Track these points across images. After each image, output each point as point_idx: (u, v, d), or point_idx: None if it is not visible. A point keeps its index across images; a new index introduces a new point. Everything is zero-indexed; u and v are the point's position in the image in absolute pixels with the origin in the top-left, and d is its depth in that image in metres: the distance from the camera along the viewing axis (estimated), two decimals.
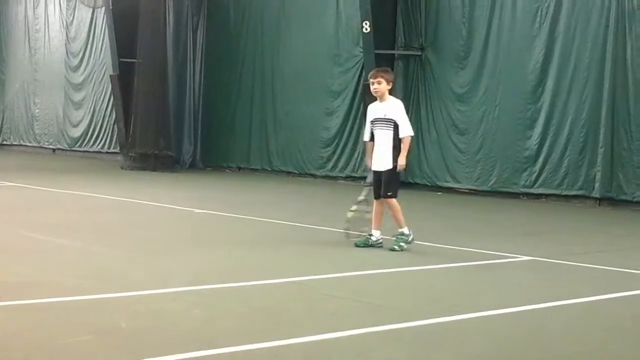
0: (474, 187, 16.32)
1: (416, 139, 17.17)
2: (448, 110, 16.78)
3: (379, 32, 17.12)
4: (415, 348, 5.14)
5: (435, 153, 16.92)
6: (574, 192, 15.12)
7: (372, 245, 8.86)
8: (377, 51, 17.02)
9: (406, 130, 8.89)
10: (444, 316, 5.89)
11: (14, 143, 26.63)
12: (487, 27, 16.25)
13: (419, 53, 17.16)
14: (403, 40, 17.46)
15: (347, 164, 18.37)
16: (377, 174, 8.97)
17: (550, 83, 15.42)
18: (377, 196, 8.95)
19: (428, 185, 16.92)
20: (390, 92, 9.06)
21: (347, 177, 18.32)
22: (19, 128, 26.51)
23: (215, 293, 6.51)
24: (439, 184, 16.77)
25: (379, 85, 8.92)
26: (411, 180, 16.76)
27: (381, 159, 8.90)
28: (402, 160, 8.82)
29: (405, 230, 8.80)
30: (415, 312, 6.13)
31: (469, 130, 16.46)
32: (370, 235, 8.96)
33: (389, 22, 17.48)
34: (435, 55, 17.02)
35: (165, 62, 20.45)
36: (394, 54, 17.50)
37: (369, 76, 9.27)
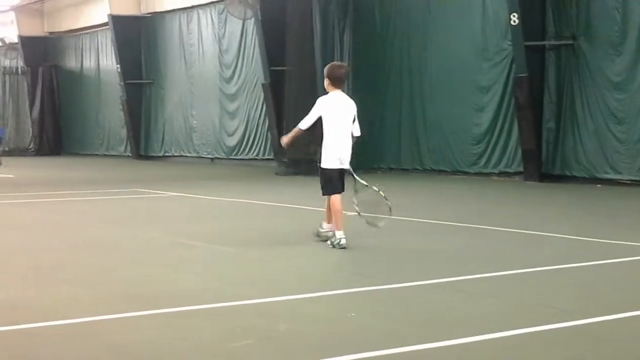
0: (636, 178, 15.63)
1: (572, 131, 16.65)
2: (605, 100, 16.15)
3: (528, 23, 16.74)
4: (583, 346, 4.99)
5: (593, 144, 16.30)
6: None
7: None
8: (526, 43, 16.65)
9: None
10: (603, 315, 5.69)
11: (175, 154, 27.78)
12: None
13: (571, 42, 16.62)
14: (554, 30, 16.97)
15: (500, 159, 18.02)
16: None
17: None
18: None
19: (586, 178, 16.33)
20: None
21: (500, 173, 17.99)
22: (179, 139, 27.64)
23: (368, 296, 6.54)
24: (598, 175, 16.16)
25: None
26: (568, 173, 16.22)
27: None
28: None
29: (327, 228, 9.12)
30: (578, 311, 5.95)
31: (628, 119, 15.78)
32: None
33: (538, 12, 17.04)
34: (589, 43, 16.43)
35: (314, 68, 20.70)
36: (544, 45, 17.03)
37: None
